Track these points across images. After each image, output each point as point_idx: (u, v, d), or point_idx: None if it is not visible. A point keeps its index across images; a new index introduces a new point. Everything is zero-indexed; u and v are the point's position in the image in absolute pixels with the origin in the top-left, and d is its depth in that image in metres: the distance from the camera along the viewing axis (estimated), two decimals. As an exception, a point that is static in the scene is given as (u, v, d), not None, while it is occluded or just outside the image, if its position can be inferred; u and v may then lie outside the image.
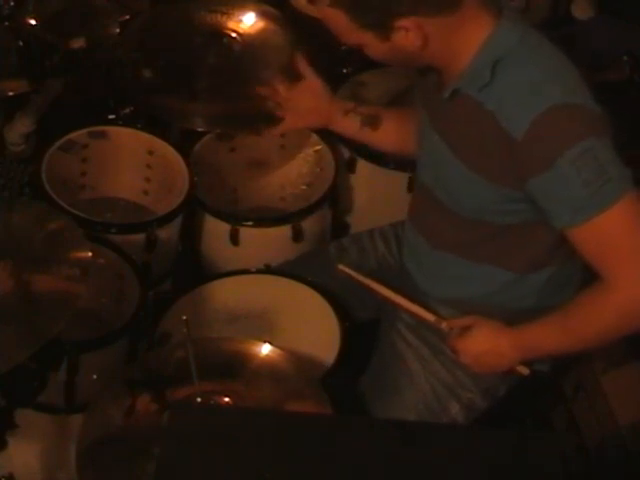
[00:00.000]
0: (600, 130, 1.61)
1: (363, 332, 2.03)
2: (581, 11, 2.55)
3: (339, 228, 2.48)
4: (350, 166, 2.43)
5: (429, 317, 1.85)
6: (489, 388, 1.89)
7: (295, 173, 2.53)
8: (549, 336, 1.72)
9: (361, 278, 1.92)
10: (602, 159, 1.60)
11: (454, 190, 1.79)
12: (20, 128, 2.52)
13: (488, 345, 1.77)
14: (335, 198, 2.38)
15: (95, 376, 1.94)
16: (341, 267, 1.93)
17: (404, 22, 1.60)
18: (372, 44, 1.66)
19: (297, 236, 2.28)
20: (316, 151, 2.47)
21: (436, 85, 1.76)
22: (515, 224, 1.74)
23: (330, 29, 1.69)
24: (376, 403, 1.90)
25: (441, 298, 1.90)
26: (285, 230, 2.28)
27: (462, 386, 1.88)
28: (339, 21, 1.65)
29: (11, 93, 2.39)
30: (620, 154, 1.62)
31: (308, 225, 2.30)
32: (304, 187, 2.51)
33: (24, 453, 1.93)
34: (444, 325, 1.83)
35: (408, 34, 1.62)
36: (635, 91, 2.25)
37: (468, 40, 1.65)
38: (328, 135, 2.46)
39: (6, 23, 2.40)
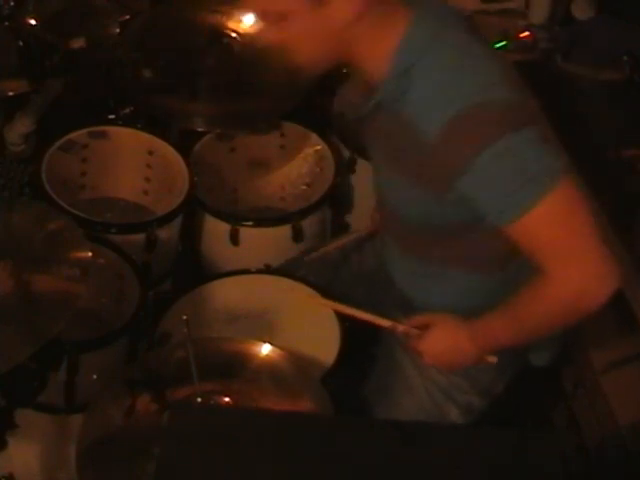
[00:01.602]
0: (519, 123, 1.53)
1: (363, 332, 2.02)
2: (581, 11, 2.54)
3: (339, 228, 2.48)
4: (350, 166, 2.43)
5: (384, 323, 1.80)
6: (486, 388, 1.88)
7: (295, 173, 2.53)
8: (501, 328, 1.68)
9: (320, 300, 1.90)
10: (522, 156, 1.53)
11: (394, 199, 1.77)
12: (20, 128, 2.53)
13: (449, 342, 1.72)
14: (335, 198, 2.38)
15: (95, 376, 1.94)
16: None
17: None
18: (298, 12, 1.53)
19: (297, 236, 2.28)
20: (316, 151, 2.47)
21: (356, 99, 1.70)
22: (464, 225, 1.70)
23: None
24: (376, 409, 1.89)
25: (420, 302, 1.87)
26: (285, 230, 2.28)
27: (459, 389, 1.87)
28: None
29: (11, 93, 2.39)
30: (552, 141, 1.56)
31: (308, 225, 2.30)
32: (304, 187, 2.51)
33: (24, 453, 1.93)
34: (401, 329, 1.78)
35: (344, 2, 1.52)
36: (635, 91, 2.25)
37: (385, 41, 1.57)
38: (328, 135, 2.47)
39: (6, 23, 2.40)
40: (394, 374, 1.90)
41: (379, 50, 1.58)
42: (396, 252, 1.90)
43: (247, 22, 2.49)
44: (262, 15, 1.61)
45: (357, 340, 1.97)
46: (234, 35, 2.47)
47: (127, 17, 2.47)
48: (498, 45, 2.50)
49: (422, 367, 1.87)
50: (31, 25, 2.41)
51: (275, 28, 1.57)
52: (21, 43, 2.37)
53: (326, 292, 2.02)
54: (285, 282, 2.07)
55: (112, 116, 2.44)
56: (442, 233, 1.74)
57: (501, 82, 1.57)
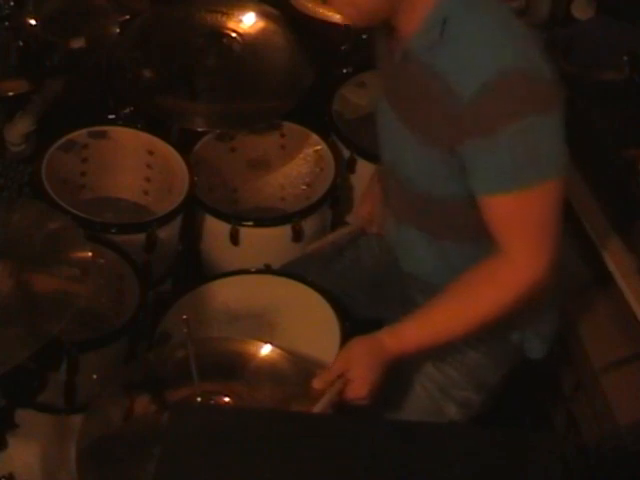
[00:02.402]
0: (552, 103, 1.57)
1: (367, 330, 2.02)
2: (581, 11, 2.54)
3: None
4: (350, 166, 2.43)
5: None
6: (482, 382, 1.88)
7: (295, 173, 2.53)
8: (435, 325, 1.70)
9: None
10: (540, 140, 1.57)
11: (405, 164, 1.76)
12: (20, 128, 2.52)
13: (372, 376, 1.70)
14: (335, 198, 2.38)
15: (95, 376, 1.94)
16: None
17: None
18: None
19: (297, 236, 2.28)
20: (316, 151, 2.47)
21: (389, 51, 1.72)
22: (464, 196, 1.69)
23: None
24: (376, 409, 1.89)
25: (415, 274, 1.89)
26: (285, 230, 2.28)
27: (455, 385, 1.86)
28: None
29: (11, 93, 2.39)
30: (565, 135, 1.59)
31: (308, 225, 2.30)
32: (304, 187, 2.51)
33: (24, 453, 1.93)
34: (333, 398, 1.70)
35: None
36: (635, 91, 2.25)
37: None
38: (328, 135, 2.47)
39: (6, 23, 2.40)
40: (392, 372, 1.90)
41: (418, 3, 1.60)
42: (393, 221, 1.91)
43: (247, 22, 2.50)
44: None
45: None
46: (234, 35, 2.47)
47: (127, 17, 2.47)
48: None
49: (418, 364, 1.87)
50: (31, 25, 2.41)
51: None
52: (21, 43, 2.37)
53: (326, 291, 2.02)
54: (285, 282, 2.07)
55: (112, 116, 2.44)
56: (444, 205, 1.75)
57: (535, 53, 1.59)
